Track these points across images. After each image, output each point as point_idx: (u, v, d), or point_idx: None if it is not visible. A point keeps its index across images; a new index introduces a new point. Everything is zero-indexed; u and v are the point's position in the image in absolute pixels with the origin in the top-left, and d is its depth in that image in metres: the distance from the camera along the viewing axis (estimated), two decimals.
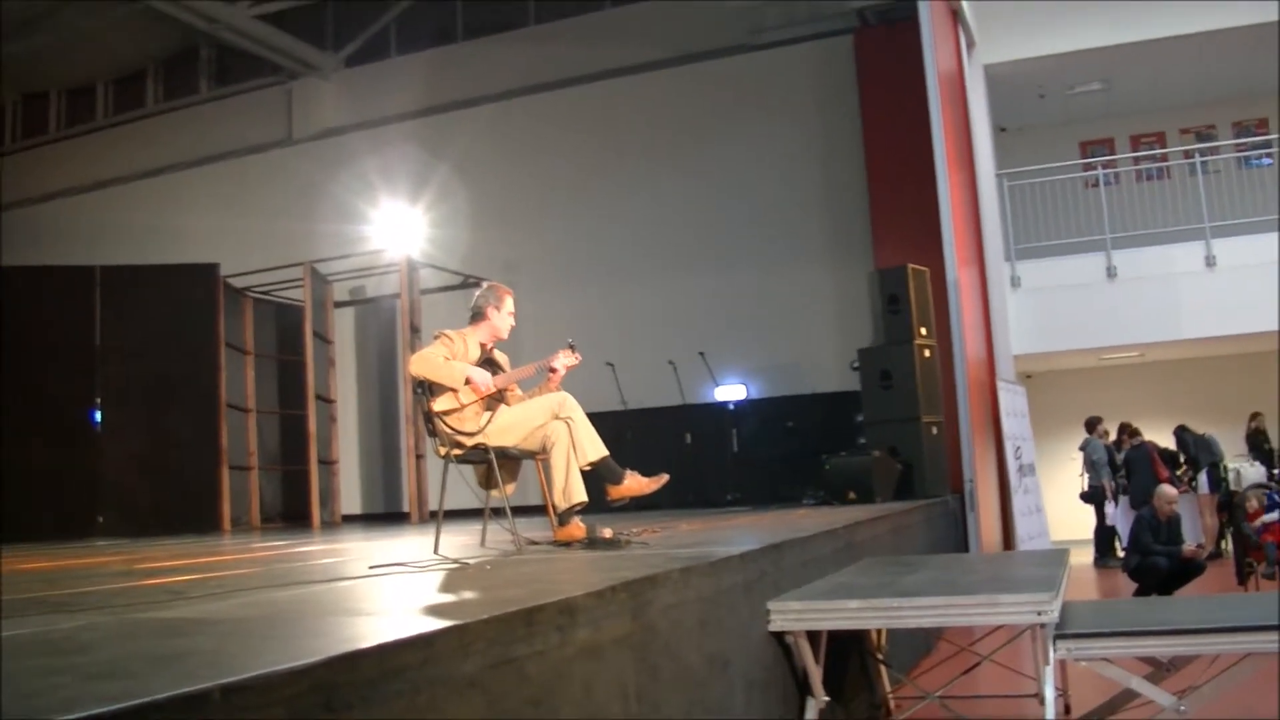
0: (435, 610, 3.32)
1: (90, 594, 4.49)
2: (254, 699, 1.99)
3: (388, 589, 4.15)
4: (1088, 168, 17.07)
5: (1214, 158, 16.55)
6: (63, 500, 13.79)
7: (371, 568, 5.15)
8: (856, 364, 12.07)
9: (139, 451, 14.10)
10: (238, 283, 15.27)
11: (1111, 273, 15.02)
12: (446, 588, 4.09)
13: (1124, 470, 15.09)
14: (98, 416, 14.23)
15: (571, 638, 3.17)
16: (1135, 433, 15.43)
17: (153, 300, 14.44)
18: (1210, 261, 14.78)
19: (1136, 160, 17.52)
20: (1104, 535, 15.14)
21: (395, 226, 16.12)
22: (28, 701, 1.90)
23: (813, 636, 4.96)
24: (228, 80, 19.44)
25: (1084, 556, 14.24)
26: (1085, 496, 15.48)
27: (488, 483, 6.26)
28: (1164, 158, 17.53)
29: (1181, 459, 15.92)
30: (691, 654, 4.01)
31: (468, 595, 3.80)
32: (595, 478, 6.01)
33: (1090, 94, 17.12)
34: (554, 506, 6.01)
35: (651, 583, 3.75)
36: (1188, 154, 16.75)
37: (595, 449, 5.95)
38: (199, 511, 14.18)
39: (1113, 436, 15.77)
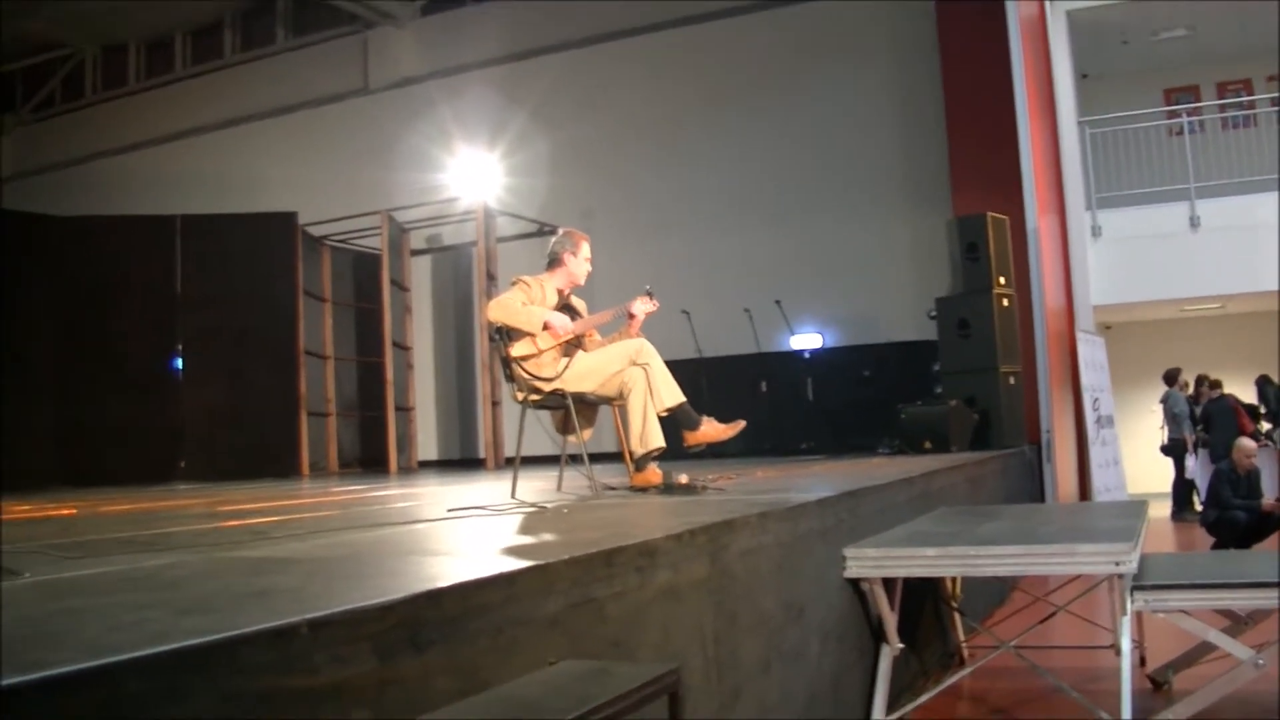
0: (515, 551, 3.34)
1: (174, 534, 4.56)
2: (341, 633, 2.02)
3: (467, 531, 4.18)
4: (1172, 115, 16.74)
5: None
6: (145, 447, 14.04)
7: (450, 510, 5.19)
8: (934, 313, 11.95)
9: (219, 399, 14.31)
10: (315, 231, 15.39)
11: (1194, 222, 14.75)
12: (525, 530, 4.11)
13: (1203, 423, 14.88)
14: (179, 364, 14.43)
15: (650, 580, 3.18)
16: (1216, 384, 15.21)
17: (232, 249, 14.60)
18: None
19: (1222, 108, 17.17)
20: (1182, 489, 14.96)
21: (472, 174, 16.13)
22: (118, 634, 1.94)
23: (888, 584, 4.95)
24: (304, 30, 19.48)
25: (1162, 510, 14.08)
26: (1165, 449, 15.28)
27: (565, 428, 6.28)
28: (1250, 105, 17.15)
29: (1261, 410, 15.67)
30: (768, 599, 4.02)
31: (547, 537, 3.82)
32: (672, 424, 6.01)
33: (1175, 40, 16.77)
34: (631, 452, 6.02)
35: (729, 527, 3.76)
36: (1274, 101, 16.36)
37: (672, 395, 5.94)
38: (278, 457, 14.37)
39: (1191, 389, 15.55)
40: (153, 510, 6.73)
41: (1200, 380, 15.50)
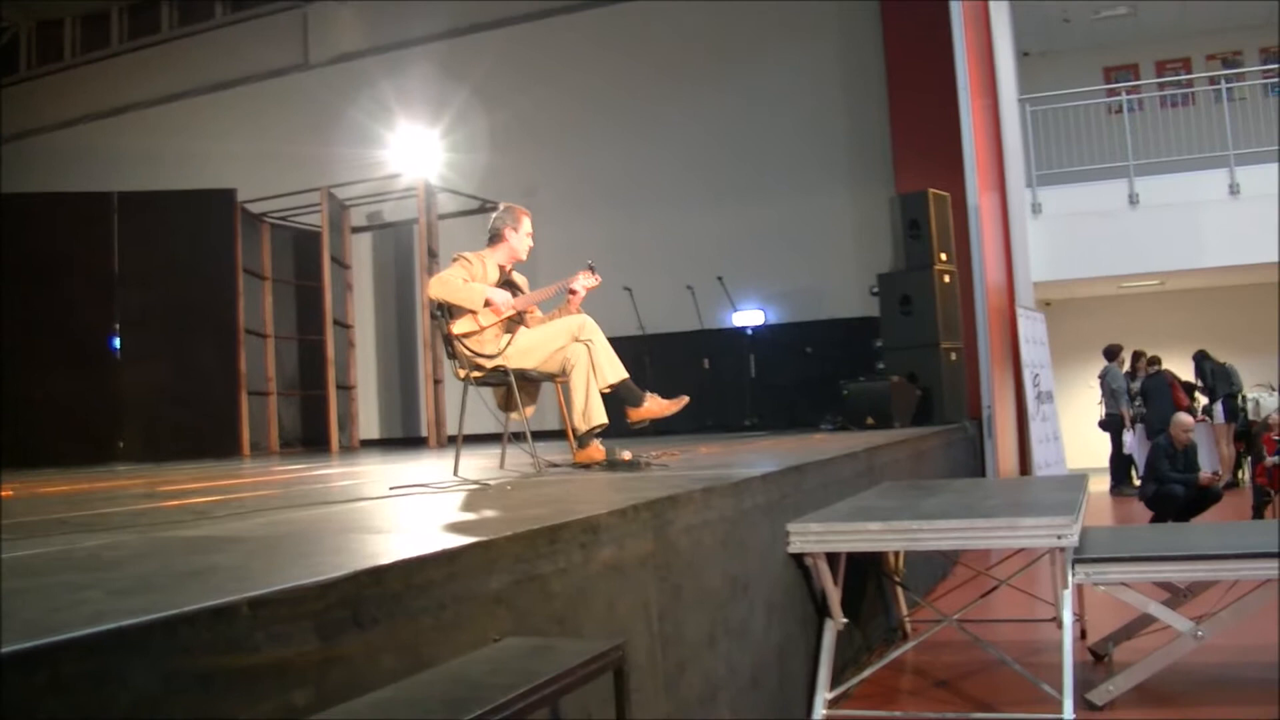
0: (458, 528, 3.32)
1: (112, 515, 4.51)
2: (282, 612, 2.00)
3: (409, 509, 4.15)
4: (1112, 93, 16.91)
5: (1240, 84, 16.37)
6: (83, 426, 13.88)
7: (392, 488, 5.17)
8: (876, 289, 12.00)
9: (158, 377, 14.14)
10: (255, 208, 15.23)
11: (1134, 200, 14.92)
12: (468, 507, 4.09)
13: (1140, 398, 15.06)
14: (117, 343, 14.26)
15: (595, 556, 3.18)
16: (1154, 361, 15.39)
17: (170, 226, 14.42)
18: (1234, 190, 14.67)
19: (1161, 86, 17.36)
20: (1120, 463, 15.14)
21: (413, 151, 16.05)
22: (55, 615, 1.91)
23: (831, 559, 4.98)
24: (243, 4, 19.24)
25: (1100, 485, 14.24)
26: (1103, 424, 15.46)
27: (507, 405, 6.26)
28: (1189, 84, 17.33)
29: (1199, 385, 15.88)
30: (713, 574, 4.03)
31: (490, 514, 3.81)
32: (615, 400, 6.01)
33: (1115, 19, 16.93)
34: (573, 429, 6.02)
35: (673, 502, 3.76)
36: (1213, 80, 16.55)
37: (615, 371, 5.94)
38: (218, 436, 14.24)
39: (1129, 365, 15.74)
40: (91, 491, 6.65)
41: (1137, 356, 15.69)
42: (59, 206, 14.37)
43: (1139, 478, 13.59)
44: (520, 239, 6.37)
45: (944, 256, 11.63)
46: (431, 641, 2.38)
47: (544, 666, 2.27)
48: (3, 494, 6.78)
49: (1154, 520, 10.79)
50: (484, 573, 2.63)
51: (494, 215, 6.48)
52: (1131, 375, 15.58)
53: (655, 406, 6.10)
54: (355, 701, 2.06)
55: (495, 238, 6.38)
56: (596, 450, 5.95)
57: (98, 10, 20.32)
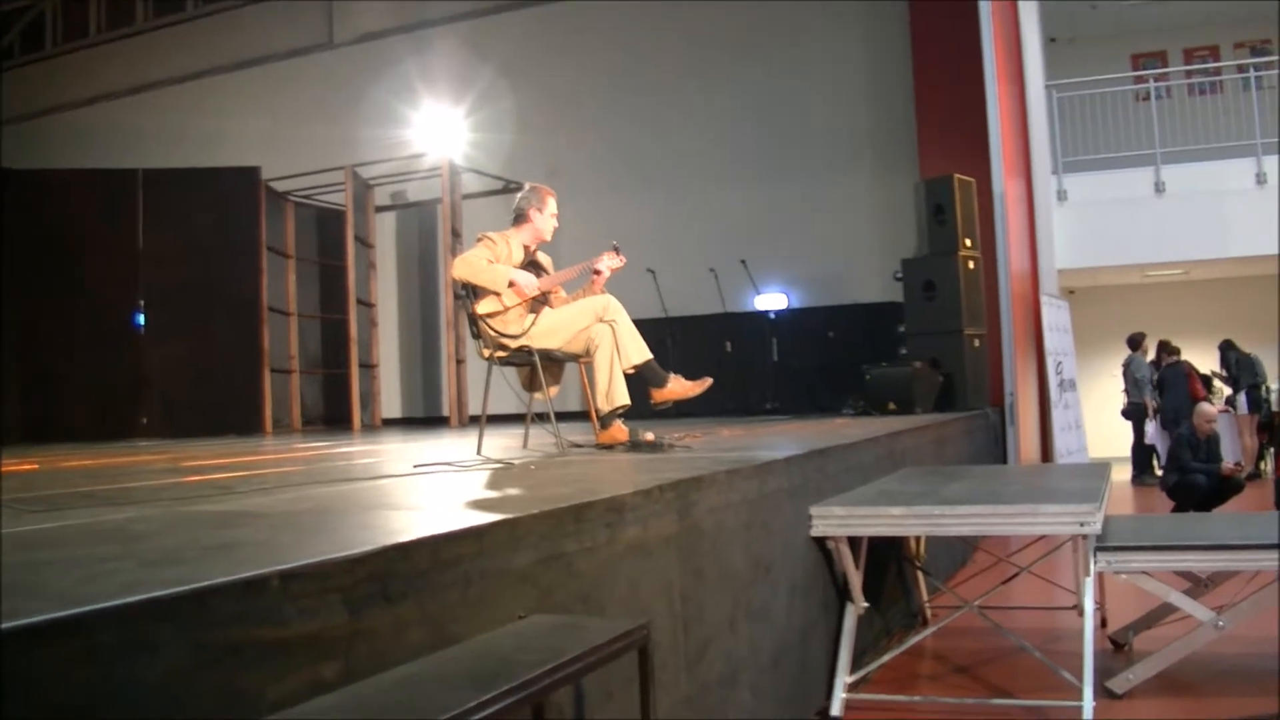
0: (484, 505, 3.33)
1: (137, 489, 4.53)
2: (311, 585, 2.02)
3: (434, 486, 4.16)
4: (1139, 80, 16.80)
5: (1268, 72, 16.22)
6: (107, 402, 13.93)
7: (416, 466, 5.18)
8: (899, 274, 11.96)
9: (182, 354, 14.17)
10: (279, 186, 15.24)
11: (1160, 188, 14.84)
12: (493, 486, 4.10)
13: (1157, 388, 15.00)
14: (141, 320, 14.30)
15: (619, 535, 3.18)
16: (1173, 351, 15.33)
17: (195, 204, 14.44)
18: (1260, 179, 14.59)
19: (1189, 74, 17.24)
20: (1142, 453, 15.09)
21: (437, 130, 16.03)
22: (87, 585, 1.92)
23: (853, 543, 4.97)
24: None
25: (1122, 474, 14.19)
26: (1126, 413, 15.40)
27: (530, 385, 6.28)
28: (1217, 72, 17.22)
29: (1223, 375, 15.80)
30: (736, 556, 4.03)
31: (515, 493, 3.82)
32: (638, 381, 6.01)
33: (1143, 6, 16.82)
34: (597, 409, 6.01)
35: (698, 484, 3.76)
36: (1241, 68, 16.44)
37: (639, 352, 5.94)
38: (241, 414, 14.28)
39: (1152, 355, 15.68)
40: (114, 465, 6.69)
41: (1163, 346, 15.63)
42: (83, 183, 14.40)
43: (1160, 467, 13.54)
44: (545, 220, 6.37)
45: (968, 242, 11.59)
46: (458, 617, 2.40)
47: (570, 644, 2.28)
48: (28, 467, 6.82)
49: (1175, 510, 10.75)
50: (510, 550, 2.64)
51: (519, 195, 6.49)
52: (1156, 364, 15.52)
53: (679, 388, 6.09)
54: (383, 675, 2.07)
55: (520, 218, 6.39)
56: (620, 431, 5.95)
57: None
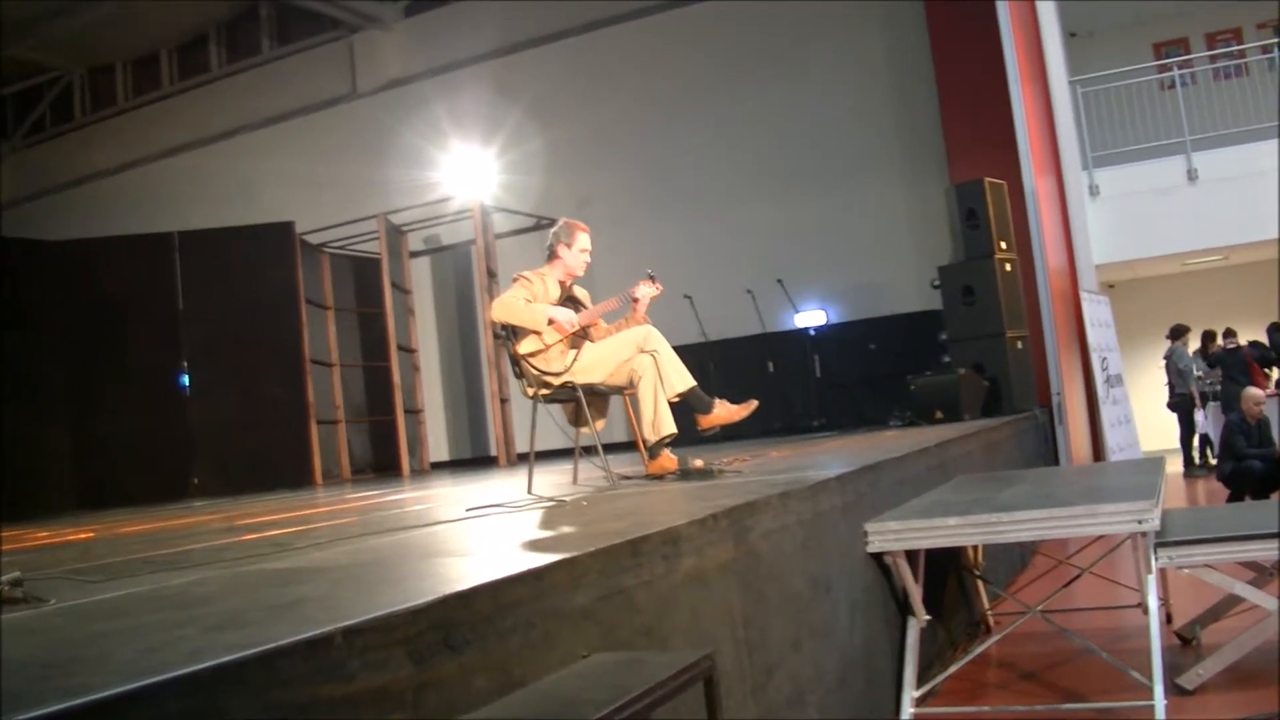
0: (540, 546, 3.34)
1: (195, 551, 4.56)
2: (375, 639, 2.02)
3: (488, 529, 4.17)
4: (1162, 69, 16.71)
5: None
6: (157, 464, 14.03)
7: (469, 510, 5.19)
8: (937, 282, 11.94)
9: (228, 412, 14.29)
10: (313, 239, 15.34)
11: (1192, 175, 14.73)
12: (547, 525, 4.11)
13: (1220, 371, 14.81)
14: (186, 380, 14.42)
15: (677, 566, 3.18)
16: (1230, 334, 15.17)
17: (231, 262, 14.56)
18: None
19: (1212, 58, 17.12)
20: (1191, 444, 14.95)
21: (466, 171, 16.09)
22: (154, 655, 1.93)
23: (911, 556, 4.95)
24: (289, 39, 19.43)
25: (1173, 466, 14.05)
26: (1172, 405, 15.27)
27: (577, 420, 6.28)
28: (1240, 54, 17.10)
29: (1273, 356, 15.63)
30: (794, 577, 4.02)
31: (569, 531, 3.82)
32: (683, 409, 6.00)
33: None
34: (644, 440, 6.00)
35: (751, 509, 3.76)
36: (1265, 49, 16.31)
37: (683, 379, 5.94)
38: (291, 467, 14.35)
39: (1196, 344, 15.53)
40: (170, 528, 6.73)
41: (1208, 336, 15.47)
42: (121, 250, 14.54)
43: (1214, 456, 13.39)
44: (574, 255, 6.38)
45: (1004, 244, 11.55)
46: (522, 660, 2.40)
47: (634, 680, 2.27)
48: (85, 536, 6.88)
49: (1230, 498, 10.63)
50: (570, 589, 2.65)
51: (551, 231, 6.51)
52: (1203, 353, 15.37)
53: (725, 412, 6.08)
54: None
55: (552, 255, 6.41)
56: (669, 460, 5.94)
57: (147, 53, 20.58)
